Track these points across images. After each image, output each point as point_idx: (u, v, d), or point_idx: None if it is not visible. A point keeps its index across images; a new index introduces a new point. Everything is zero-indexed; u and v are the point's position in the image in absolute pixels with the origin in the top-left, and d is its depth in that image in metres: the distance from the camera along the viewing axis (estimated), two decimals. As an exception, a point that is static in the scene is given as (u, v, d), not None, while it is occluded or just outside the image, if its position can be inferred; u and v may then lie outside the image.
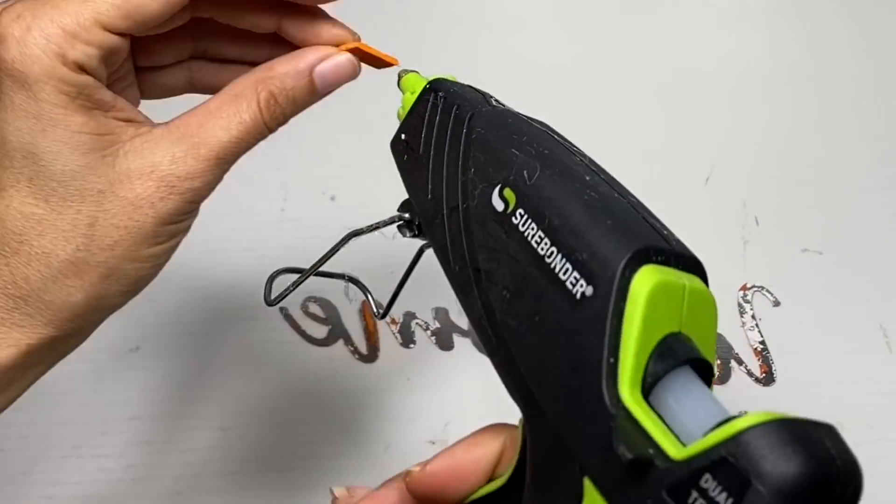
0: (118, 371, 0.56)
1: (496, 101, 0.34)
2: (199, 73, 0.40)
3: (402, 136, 0.34)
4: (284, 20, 0.36)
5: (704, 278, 0.28)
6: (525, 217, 0.28)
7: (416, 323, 0.59)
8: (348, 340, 0.58)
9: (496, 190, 0.29)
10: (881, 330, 0.58)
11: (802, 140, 0.67)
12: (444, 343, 0.58)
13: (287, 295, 0.37)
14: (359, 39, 0.37)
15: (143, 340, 0.58)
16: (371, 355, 0.57)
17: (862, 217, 0.63)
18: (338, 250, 0.37)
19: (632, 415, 0.24)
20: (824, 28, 0.73)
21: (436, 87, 0.33)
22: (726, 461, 0.22)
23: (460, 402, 0.56)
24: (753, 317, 0.57)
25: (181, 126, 0.34)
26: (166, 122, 0.35)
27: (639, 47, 0.72)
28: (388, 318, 0.58)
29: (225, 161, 0.34)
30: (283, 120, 0.36)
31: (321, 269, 0.38)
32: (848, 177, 0.65)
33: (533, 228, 0.28)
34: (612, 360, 0.25)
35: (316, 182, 0.64)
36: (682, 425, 0.24)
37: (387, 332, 0.58)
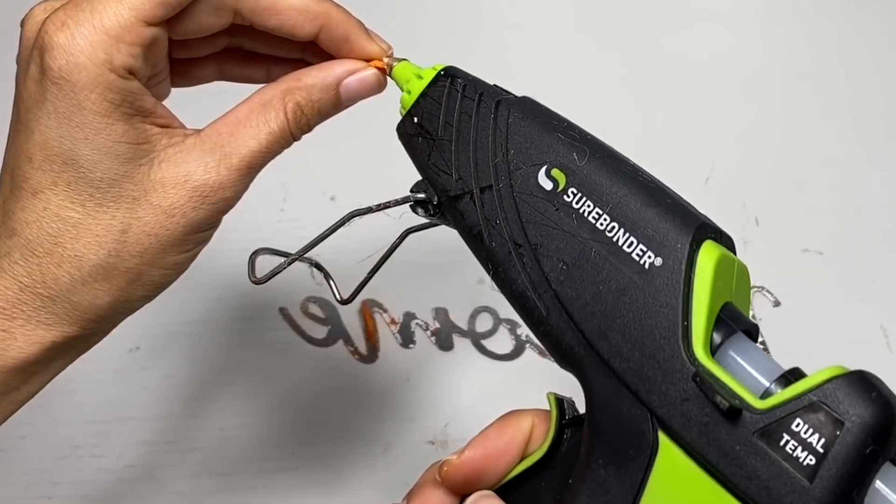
0: (117, 371, 0.56)
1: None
2: (230, 65, 0.40)
3: (415, 120, 0.35)
4: (322, 34, 0.36)
5: (735, 253, 0.31)
6: (579, 195, 0.31)
7: (416, 323, 0.59)
8: (348, 340, 0.58)
9: (542, 170, 0.31)
10: (881, 330, 0.58)
11: (802, 140, 0.67)
12: (444, 343, 0.58)
13: (277, 274, 0.37)
14: (391, 54, 0.37)
15: (142, 340, 0.58)
16: (371, 355, 0.57)
17: (862, 217, 0.63)
18: (337, 230, 0.37)
19: (710, 371, 0.27)
20: (824, 28, 0.73)
21: (452, 74, 0.35)
22: (817, 406, 0.26)
23: (460, 402, 0.56)
24: (754, 317, 0.57)
25: (212, 135, 0.35)
26: (197, 131, 0.35)
27: (638, 47, 0.72)
28: (388, 318, 0.58)
29: (254, 170, 0.35)
30: (308, 129, 0.37)
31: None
32: (848, 177, 0.65)
33: (589, 206, 0.30)
34: (685, 323, 0.28)
35: (316, 182, 0.64)
36: (746, 381, 0.28)
37: (387, 333, 0.58)
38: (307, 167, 0.64)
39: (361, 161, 0.65)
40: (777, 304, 0.59)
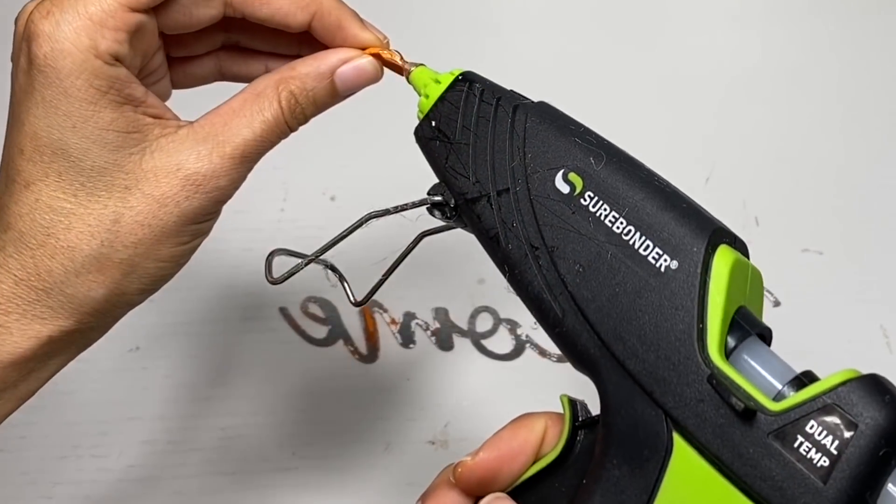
0: (118, 371, 0.56)
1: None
2: (229, 63, 0.40)
3: (433, 123, 0.35)
4: (315, 22, 0.36)
5: (748, 258, 0.32)
6: (596, 199, 0.31)
7: (416, 323, 0.59)
8: (348, 340, 0.58)
9: (559, 174, 0.32)
10: (881, 330, 0.58)
11: (802, 140, 0.67)
12: (444, 343, 0.58)
13: (294, 274, 0.37)
14: (387, 44, 0.37)
15: (143, 340, 0.58)
16: (371, 355, 0.57)
17: (862, 217, 0.63)
18: (353, 232, 0.36)
19: (725, 373, 0.28)
20: (824, 28, 0.73)
21: (470, 79, 0.35)
22: (831, 409, 0.26)
23: (460, 402, 0.56)
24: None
25: (206, 125, 0.35)
26: (191, 122, 0.35)
27: (639, 48, 0.72)
28: (388, 318, 0.58)
29: (249, 159, 0.35)
30: (304, 120, 0.36)
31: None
32: (848, 177, 0.65)
33: (606, 209, 0.31)
34: (700, 325, 0.29)
35: (316, 182, 0.64)
36: (760, 383, 0.28)
37: (387, 332, 0.58)
38: (307, 167, 0.64)
39: (362, 161, 0.65)
40: (777, 304, 0.59)
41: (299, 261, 0.38)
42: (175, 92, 0.40)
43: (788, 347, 0.59)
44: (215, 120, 0.35)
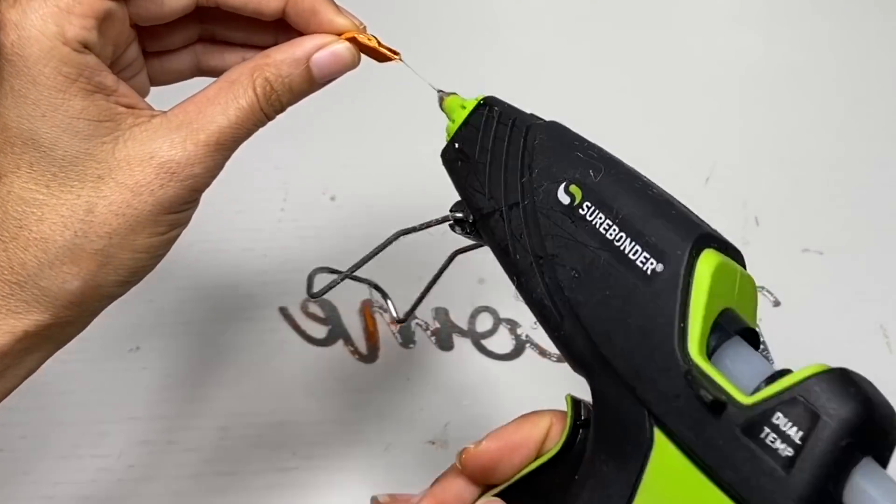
0: (118, 371, 0.56)
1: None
2: (206, 56, 0.40)
3: (456, 146, 0.37)
4: (289, 8, 0.36)
5: (744, 266, 0.33)
6: (592, 208, 0.32)
7: (416, 323, 0.59)
8: (348, 340, 0.58)
9: (561, 187, 0.33)
10: (881, 330, 0.58)
11: (802, 140, 0.67)
12: (444, 343, 0.58)
13: (331, 289, 0.39)
14: (364, 30, 0.37)
15: (143, 340, 0.58)
16: (371, 355, 0.57)
17: (862, 217, 0.63)
18: (384, 248, 0.39)
19: (702, 370, 0.29)
20: (824, 28, 0.73)
21: (490, 103, 0.37)
22: (797, 401, 0.27)
23: (460, 402, 0.56)
24: (761, 320, 0.57)
25: (179, 114, 0.34)
26: (165, 112, 0.35)
27: (640, 48, 0.72)
28: (388, 318, 0.58)
29: (225, 147, 0.34)
30: (280, 107, 0.36)
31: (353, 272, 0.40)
32: (848, 177, 0.65)
33: (600, 217, 0.32)
34: (682, 324, 0.29)
35: (316, 182, 0.64)
36: (738, 380, 0.29)
37: (387, 332, 0.58)
38: (307, 167, 0.64)
39: (362, 161, 0.64)
40: (777, 304, 0.59)
41: (335, 276, 0.40)
42: (154, 89, 0.39)
43: (788, 347, 0.59)
44: (189, 108, 0.34)
